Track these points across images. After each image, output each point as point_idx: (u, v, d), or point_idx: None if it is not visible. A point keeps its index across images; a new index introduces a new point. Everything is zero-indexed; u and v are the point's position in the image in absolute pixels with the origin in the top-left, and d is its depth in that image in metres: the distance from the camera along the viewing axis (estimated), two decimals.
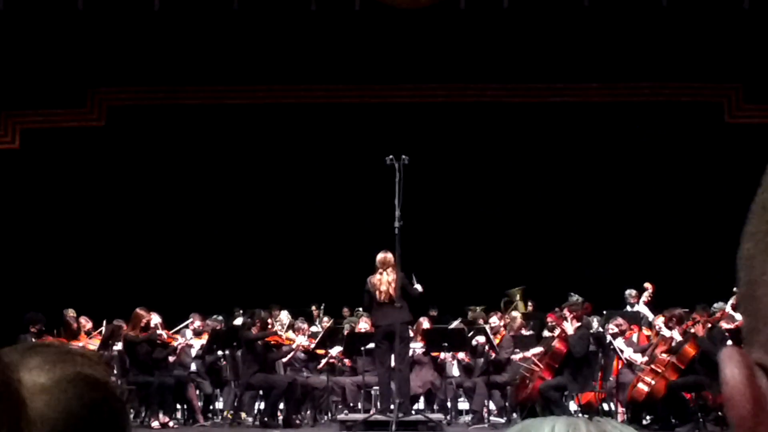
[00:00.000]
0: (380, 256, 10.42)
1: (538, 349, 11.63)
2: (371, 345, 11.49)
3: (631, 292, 13.70)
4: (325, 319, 14.14)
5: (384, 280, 10.33)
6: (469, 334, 12.06)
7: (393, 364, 10.56)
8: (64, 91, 13.99)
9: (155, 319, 11.78)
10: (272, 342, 11.74)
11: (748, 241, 0.59)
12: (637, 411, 11.29)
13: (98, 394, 0.94)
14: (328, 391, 12.01)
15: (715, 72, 13.85)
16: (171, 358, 11.81)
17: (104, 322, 12.45)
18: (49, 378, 0.91)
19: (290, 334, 12.42)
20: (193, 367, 12.37)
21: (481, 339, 12.03)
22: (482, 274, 14.79)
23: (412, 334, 12.51)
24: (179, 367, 11.99)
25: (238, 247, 15.23)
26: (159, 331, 11.60)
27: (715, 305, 11.57)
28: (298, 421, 11.44)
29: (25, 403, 0.86)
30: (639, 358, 11.56)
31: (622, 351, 11.52)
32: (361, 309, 14.21)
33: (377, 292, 10.33)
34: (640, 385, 10.85)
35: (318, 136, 14.98)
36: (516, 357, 11.94)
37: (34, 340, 11.02)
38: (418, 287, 10.53)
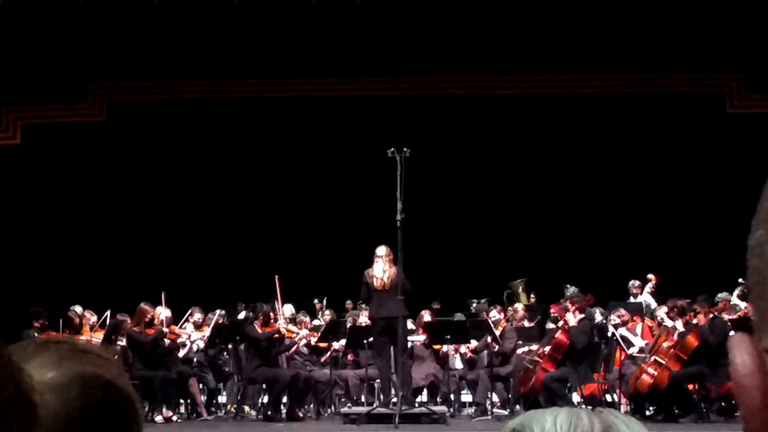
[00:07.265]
0: (378, 248, 10.52)
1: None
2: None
3: (633, 283, 13.70)
4: (327, 312, 14.13)
5: (379, 269, 10.39)
6: (472, 328, 12.04)
7: (392, 356, 10.60)
8: (64, 87, 14.00)
9: (165, 312, 11.78)
10: (275, 335, 11.73)
11: (758, 229, 0.59)
12: (641, 402, 11.30)
13: (106, 394, 0.92)
14: (331, 385, 12.02)
15: (717, 62, 13.83)
16: (181, 354, 11.83)
17: (107, 316, 12.44)
18: (57, 375, 0.90)
19: (292, 326, 12.42)
20: (197, 361, 12.38)
21: (485, 335, 12.01)
22: (484, 267, 14.78)
23: (413, 326, 12.54)
24: (183, 362, 12.00)
25: (240, 241, 15.21)
26: (164, 329, 11.58)
27: (719, 296, 11.56)
28: (301, 415, 11.44)
29: (36, 404, 0.85)
30: (641, 342, 11.60)
31: (624, 338, 11.55)
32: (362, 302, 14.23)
33: (374, 279, 10.38)
34: (644, 377, 10.86)
35: (319, 130, 14.96)
36: (520, 351, 11.94)
37: (37, 335, 11.01)
38: None
